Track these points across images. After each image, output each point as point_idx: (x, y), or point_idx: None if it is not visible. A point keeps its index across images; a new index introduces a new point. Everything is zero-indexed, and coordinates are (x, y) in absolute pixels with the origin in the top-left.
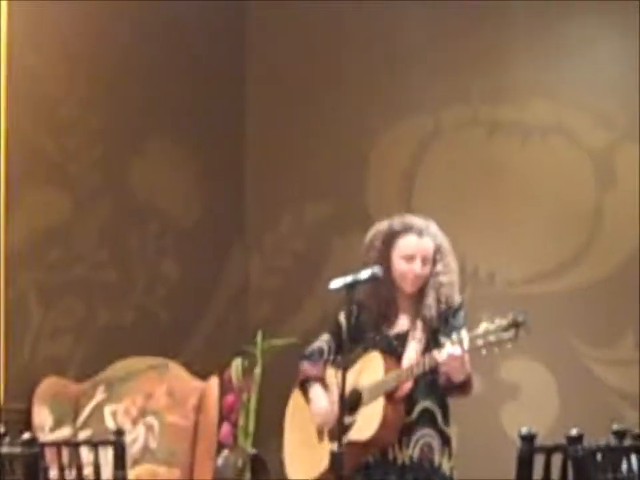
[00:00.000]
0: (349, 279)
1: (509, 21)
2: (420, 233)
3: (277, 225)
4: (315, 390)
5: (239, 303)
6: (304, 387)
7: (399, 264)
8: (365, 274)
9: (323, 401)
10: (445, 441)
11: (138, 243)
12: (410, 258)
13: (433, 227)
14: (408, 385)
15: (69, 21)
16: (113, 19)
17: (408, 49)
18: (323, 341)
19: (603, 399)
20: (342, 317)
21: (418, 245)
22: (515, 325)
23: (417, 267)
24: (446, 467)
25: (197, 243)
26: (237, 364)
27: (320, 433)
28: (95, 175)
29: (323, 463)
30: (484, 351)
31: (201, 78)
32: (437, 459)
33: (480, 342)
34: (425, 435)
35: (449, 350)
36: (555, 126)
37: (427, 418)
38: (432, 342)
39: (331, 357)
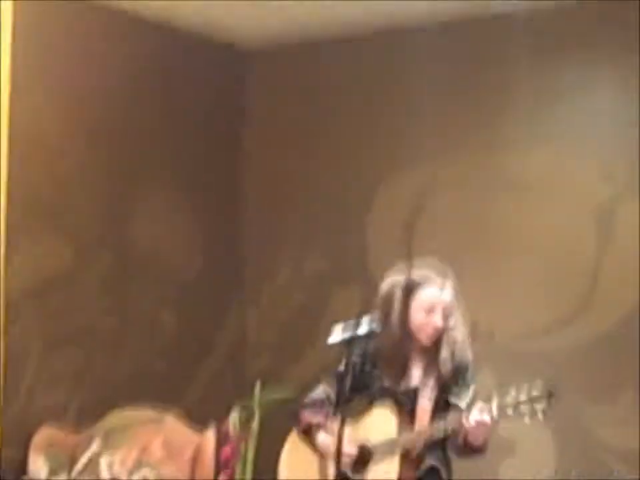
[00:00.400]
0: (347, 334)
1: (509, 73)
2: (442, 285)
3: (276, 277)
4: (322, 437)
5: (237, 355)
6: (309, 434)
7: (417, 315)
8: (363, 329)
9: (330, 442)
10: None
11: (137, 293)
12: (430, 310)
13: (450, 281)
14: (420, 445)
15: (70, 78)
16: (111, 73)
17: (407, 100)
18: (322, 392)
19: (600, 457)
20: (342, 369)
21: (439, 297)
22: (548, 395)
23: (437, 320)
24: None
25: (196, 295)
26: (234, 416)
27: None
28: (96, 225)
29: None
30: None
31: (201, 130)
32: None
33: (510, 411)
34: None
35: (477, 418)
36: (554, 179)
37: (433, 475)
38: (442, 400)
39: (331, 409)
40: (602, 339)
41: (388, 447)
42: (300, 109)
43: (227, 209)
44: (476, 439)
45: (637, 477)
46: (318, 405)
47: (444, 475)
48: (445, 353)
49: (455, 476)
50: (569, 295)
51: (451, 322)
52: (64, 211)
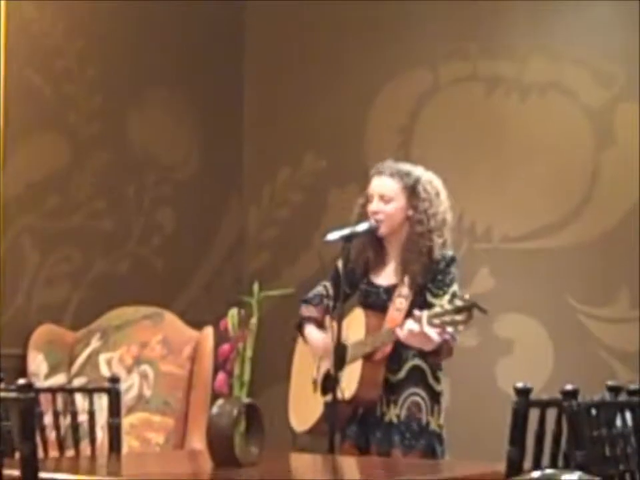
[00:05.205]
0: (346, 231)
1: None
2: (380, 173)
3: (275, 176)
4: (309, 328)
5: (236, 254)
6: (300, 328)
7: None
8: (362, 226)
9: (317, 335)
10: (434, 398)
11: (135, 192)
12: (371, 198)
13: (406, 169)
14: (387, 348)
15: None
16: None
17: (409, 5)
18: (323, 285)
19: (597, 356)
20: (340, 264)
21: (375, 183)
22: (468, 308)
23: (372, 206)
24: (434, 425)
25: (195, 194)
26: (233, 313)
27: (314, 383)
28: (93, 124)
29: (316, 413)
30: (439, 329)
31: (199, 27)
32: (424, 417)
33: (437, 321)
34: (413, 394)
35: (408, 326)
36: (553, 83)
37: (416, 376)
38: (419, 298)
39: (331, 303)
40: (601, 239)
41: (354, 349)
42: (302, 11)
43: (225, 108)
44: (418, 347)
45: (635, 376)
46: (316, 299)
47: (428, 375)
48: (409, 253)
49: (450, 375)
50: (568, 196)
51: (415, 216)
52: (61, 110)
